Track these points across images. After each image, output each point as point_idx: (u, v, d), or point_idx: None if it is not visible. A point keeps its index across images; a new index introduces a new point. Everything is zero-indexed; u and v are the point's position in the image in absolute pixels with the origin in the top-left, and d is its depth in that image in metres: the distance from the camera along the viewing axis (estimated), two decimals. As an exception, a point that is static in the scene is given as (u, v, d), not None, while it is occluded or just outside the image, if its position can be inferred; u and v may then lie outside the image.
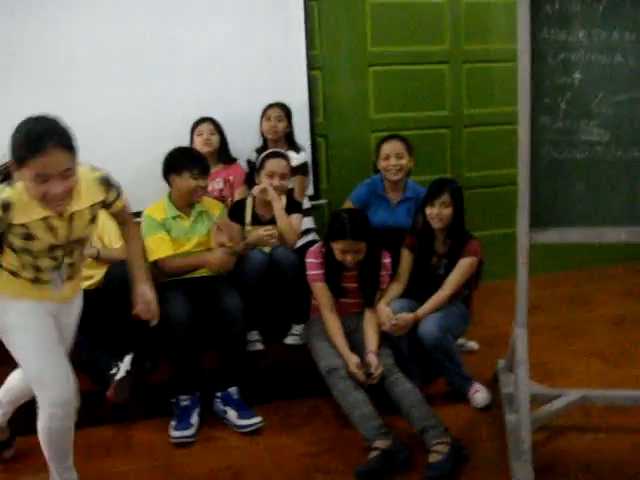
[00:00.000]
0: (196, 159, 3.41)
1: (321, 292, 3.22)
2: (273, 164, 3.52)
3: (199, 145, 3.93)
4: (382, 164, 3.68)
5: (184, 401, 3.10)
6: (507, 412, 2.96)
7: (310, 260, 3.26)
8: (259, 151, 3.98)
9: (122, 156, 4.16)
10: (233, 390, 3.15)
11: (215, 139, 4.00)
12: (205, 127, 3.98)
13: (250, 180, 3.69)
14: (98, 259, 3.27)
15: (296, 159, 4.03)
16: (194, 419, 3.06)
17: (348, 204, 3.79)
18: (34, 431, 2.42)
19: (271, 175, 3.48)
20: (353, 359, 3.02)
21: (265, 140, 4.10)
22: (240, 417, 3.06)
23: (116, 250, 3.35)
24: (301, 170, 4.06)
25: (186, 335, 3.14)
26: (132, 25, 4.12)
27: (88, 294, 3.26)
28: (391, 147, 3.67)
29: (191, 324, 3.16)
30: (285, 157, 3.61)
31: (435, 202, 3.25)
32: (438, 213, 3.24)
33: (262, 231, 3.47)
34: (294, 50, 4.40)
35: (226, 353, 3.22)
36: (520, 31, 2.55)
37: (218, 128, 4.03)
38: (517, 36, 2.61)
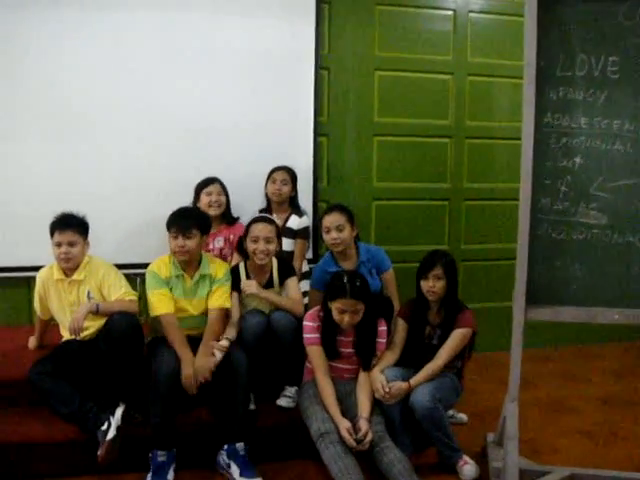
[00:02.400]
0: (176, 218, 3.40)
1: (317, 355, 3.25)
2: (258, 228, 3.50)
3: (205, 206, 3.97)
4: (325, 237, 3.69)
5: (161, 457, 3.07)
6: (495, 486, 2.97)
7: (307, 323, 3.30)
8: (262, 212, 4.04)
9: (126, 209, 4.28)
10: (240, 446, 3.13)
11: (222, 200, 4.05)
12: (213, 188, 4.03)
13: (241, 245, 3.67)
14: (97, 313, 3.28)
15: (298, 223, 4.10)
16: (170, 475, 3.05)
17: (313, 293, 3.73)
18: None
19: (256, 240, 3.47)
20: (345, 423, 3.03)
21: (269, 202, 4.17)
22: (242, 475, 3.04)
23: (115, 304, 3.34)
24: (302, 234, 4.11)
25: (172, 388, 3.13)
26: (146, 81, 4.27)
27: (84, 345, 3.31)
28: (331, 220, 3.65)
29: (177, 378, 3.16)
30: (271, 221, 3.60)
31: (429, 275, 3.30)
32: (432, 285, 3.29)
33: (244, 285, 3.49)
34: (302, 116, 4.53)
35: (233, 407, 3.19)
36: (525, 115, 2.65)
37: (224, 189, 4.09)
38: (520, 116, 2.71)
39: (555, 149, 2.71)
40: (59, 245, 3.34)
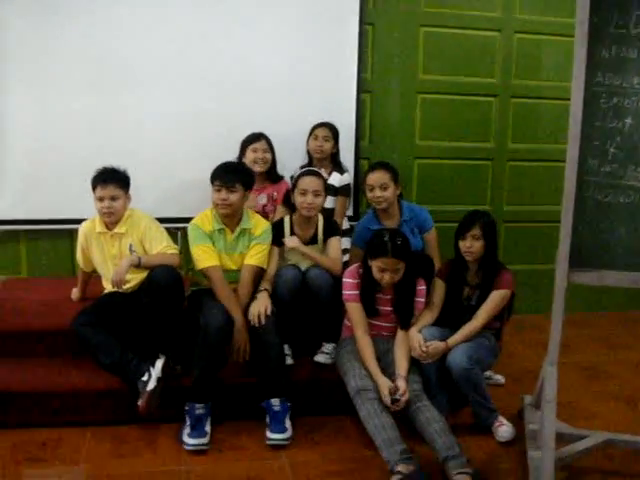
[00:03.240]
0: (220, 172, 3.39)
1: (356, 312, 3.25)
2: (306, 182, 3.49)
3: (251, 162, 3.96)
4: (368, 195, 3.67)
5: (199, 409, 3.10)
6: (530, 448, 2.96)
7: (347, 280, 3.30)
8: (303, 168, 4.01)
9: (171, 164, 4.30)
10: (275, 401, 3.15)
11: (268, 157, 4.04)
12: (259, 145, 4.01)
13: (288, 199, 3.72)
14: (139, 267, 3.31)
15: (339, 180, 4.07)
16: (208, 427, 3.09)
17: (354, 250, 3.74)
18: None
19: (304, 192, 3.46)
20: (384, 381, 3.05)
21: (311, 158, 4.15)
22: (272, 430, 3.08)
23: (157, 257, 3.38)
24: (344, 191, 4.09)
25: (221, 343, 3.17)
26: (190, 38, 4.27)
27: (126, 297, 3.36)
28: (375, 178, 3.63)
29: (226, 334, 3.20)
30: (319, 175, 3.59)
31: (467, 235, 3.27)
32: (469, 246, 3.26)
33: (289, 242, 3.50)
34: (346, 72, 4.49)
35: (266, 364, 3.22)
36: (575, 73, 2.57)
37: (270, 146, 4.06)
38: (569, 76, 2.63)
39: (605, 109, 2.62)
40: (101, 199, 3.38)
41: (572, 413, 3.40)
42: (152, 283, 3.22)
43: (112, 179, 3.40)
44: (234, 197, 3.35)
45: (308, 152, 4.16)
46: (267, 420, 3.13)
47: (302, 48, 4.40)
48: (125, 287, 3.33)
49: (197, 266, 3.38)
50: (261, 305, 3.28)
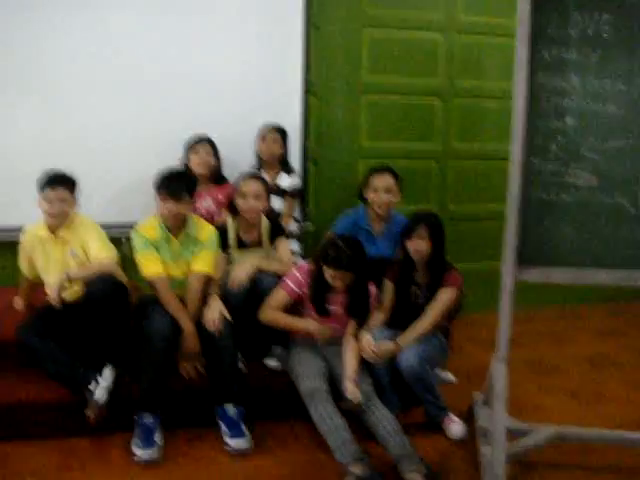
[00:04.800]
0: (166, 181, 3.33)
1: (280, 297, 3.30)
2: (247, 185, 3.49)
3: (194, 165, 3.94)
4: (370, 195, 3.68)
5: (148, 419, 3.06)
6: (482, 445, 2.99)
7: (295, 273, 3.33)
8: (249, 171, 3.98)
9: (114, 167, 4.23)
10: (229, 406, 3.13)
11: (211, 160, 4.01)
12: (202, 147, 3.99)
13: (232, 203, 3.67)
14: (70, 280, 3.24)
15: (288, 182, 4.07)
16: (157, 437, 3.04)
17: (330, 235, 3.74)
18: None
19: (244, 196, 3.48)
20: (310, 323, 3.20)
21: (260, 160, 4.13)
22: (231, 436, 3.06)
23: (88, 268, 3.29)
24: (292, 193, 4.09)
25: (166, 352, 3.14)
26: (130, 37, 4.20)
27: (70, 305, 3.29)
28: (381, 181, 3.66)
29: (171, 341, 3.16)
30: (260, 178, 3.59)
31: (413, 235, 3.29)
32: (416, 246, 3.29)
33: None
34: (291, 73, 4.47)
35: (219, 369, 3.19)
36: (517, 73, 2.62)
37: (214, 149, 4.05)
38: (511, 76, 2.68)
39: (547, 109, 2.67)
40: (49, 201, 3.31)
41: (521, 408, 3.44)
42: (87, 296, 3.17)
43: (61, 182, 3.34)
44: (181, 207, 3.30)
45: (257, 154, 4.14)
46: (222, 427, 3.10)
47: (246, 49, 4.36)
48: (66, 294, 3.26)
49: (142, 273, 3.33)
50: (216, 310, 3.25)
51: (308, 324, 3.22)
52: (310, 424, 3.01)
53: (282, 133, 4.13)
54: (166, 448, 3.04)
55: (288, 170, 4.14)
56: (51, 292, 3.16)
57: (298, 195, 4.21)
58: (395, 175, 3.70)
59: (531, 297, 5.01)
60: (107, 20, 4.14)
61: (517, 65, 2.63)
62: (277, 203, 3.98)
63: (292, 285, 3.29)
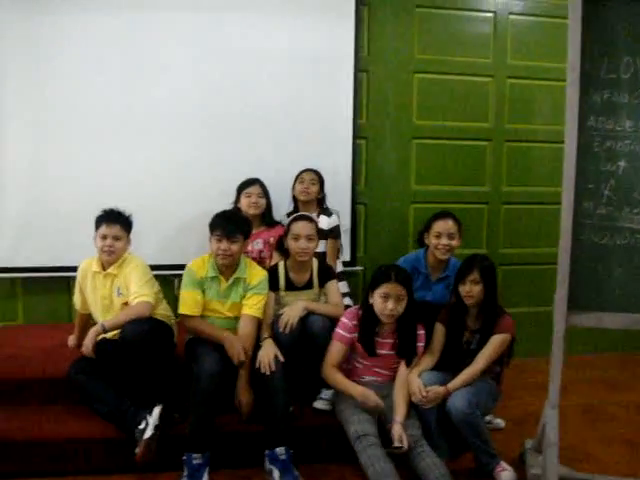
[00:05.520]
0: (222, 221, 3.41)
1: (335, 349, 3.27)
2: (299, 227, 3.51)
3: (245, 207, 4.01)
4: (432, 241, 3.67)
5: (196, 459, 3.06)
6: (533, 494, 2.93)
7: (343, 319, 3.31)
8: (289, 214, 4.01)
9: (167, 208, 4.33)
10: (280, 450, 3.09)
11: (262, 202, 4.08)
12: (254, 189, 4.07)
13: (281, 244, 3.71)
14: (105, 332, 3.28)
15: (327, 223, 4.09)
16: (205, 478, 3.04)
17: None
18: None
19: (297, 238, 3.49)
20: (359, 389, 3.12)
21: (296, 204, 4.17)
22: (282, 478, 3.03)
23: (122, 316, 3.31)
24: (333, 234, 4.11)
25: (215, 391, 3.14)
26: (183, 83, 4.34)
27: (114, 344, 3.34)
28: (444, 226, 3.65)
29: (220, 382, 3.16)
30: (311, 219, 3.62)
31: (466, 279, 3.28)
32: (469, 290, 3.27)
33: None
34: (341, 118, 4.53)
35: (272, 412, 3.18)
36: (568, 118, 2.62)
37: (265, 191, 4.12)
38: (562, 120, 2.68)
39: (599, 152, 2.67)
40: (104, 237, 3.42)
41: (574, 456, 3.36)
42: (123, 343, 3.22)
43: (118, 220, 3.46)
44: (235, 247, 3.37)
45: (294, 198, 4.18)
46: (274, 471, 3.07)
47: (298, 96, 4.46)
48: (112, 334, 3.32)
49: (179, 309, 3.41)
50: (270, 352, 3.27)
51: (357, 391, 3.15)
52: (358, 468, 2.98)
53: (319, 175, 4.16)
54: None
55: (327, 212, 4.16)
56: (86, 342, 3.22)
57: (339, 235, 4.20)
58: (457, 220, 3.70)
59: (586, 344, 4.95)
60: (166, 62, 4.30)
61: (568, 109, 2.63)
62: (320, 245, 3.98)
63: (343, 333, 3.29)
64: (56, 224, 4.24)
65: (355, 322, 3.28)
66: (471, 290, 3.26)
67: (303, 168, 4.16)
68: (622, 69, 2.65)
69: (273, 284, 3.54)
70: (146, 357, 3.19)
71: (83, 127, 4.24)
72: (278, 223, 4.16)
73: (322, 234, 4.00)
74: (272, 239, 4.05)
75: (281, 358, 3.26)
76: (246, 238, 3.49)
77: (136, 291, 3.38)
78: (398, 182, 4.82)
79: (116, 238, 3.43)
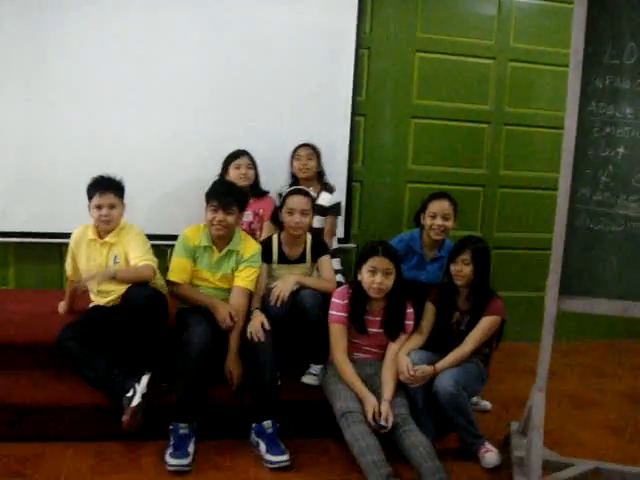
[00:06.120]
0: (218, 192, 3.40)
1: (337, 333, 3.25)
2: (294, 201, 3.50)
3: (234, 178, 3.99)
4: (428, 221, 3.67)
5: (183, 429, 3.07)
6: (516, 475, 2.94)
7: (335, 300, 3.29)
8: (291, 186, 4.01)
9: (158, 178, 4.35)
10: (267, 424, 3.12)
11: (251, 173, 4.08)
12: (242, 161, 4.06)
13: (276, 217, 3.72)
14: (114, 279, 3.28)
15: (329, 199, 4.09)
16: (191, 448, 3.04)
17: None
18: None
19: (291, 212, 3.48)
20: (371, 400, 3.05)
21: (295, 180, 4.15)
22: (269, 452, 3.05)
23: (131, 271, 3.34)
24: (333, 211, 4.11)
25: (203, 362, 3.14)
26: (178, 51, 4.31)
27: (110, 311, 3.34)
28: (440, 206, 3.65)
29: (209, 352, 3.16)
30: (307, 194, 3.60)
31: (458, 259, 3.28)
32: (459, 270, 3.27)
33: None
34: (341, 94, 4.52)
35: (259, 386, 3.19)
36: (569, 102, 2.60)
37: (253, 162, 4.11)
38: (562, 104, 2.66)
39: (598, 138, 2.65)
40: (99, 207, 3.39)
41: (559, 440, 3.38)
42: (126, 304, 3.23)
43: (110, 187, 3.42)
44: (231, 218, 3.36)
45: (292, 174, 4.17)
46: (259, 444, 3.10)
47: (298, 70, 4.43)
48: (107, 300, 3.39)
49: (167, 275, 3.41)
50: (258, 322, 3.28)
51: (365, 395, 3.10)
52: (343, 444, 2.98)
53: (315, 150, 4.15)
54: (197, 458, 3.05)
55: (328, 188, 4.16)
56: (85, 279, 3.24)
57: (340, 212, 4.21)
58: (453, 201, 3.69)
59: (575, 330, 4.97)
60: (162, 33, 4.27)
61: (569, 92, 2.61)
62: (318, 221, 3.99)
63: (338, 313, 3.27)
64: (48, 190, 4.23)
65: (346, 301, 3.27)
66: (462, 270, 3.26)
67: (300, 143, 4.14)
68: (626, 55, 2.63)
69: (266, 257, 3.54)
70: (145, 322, 3.20)
71: (77, 95, 4.22)
72: (267, 193, 4.17)
73: (322, 210, 3.99)
74: (261, 210, 4.07)
75: (267, 326, 3.28)
76: (242, 210, 3.48)
77: (140, 255, 3.38)
78: (395, 161, 4.82)
79: (111, 206, 3.40)
